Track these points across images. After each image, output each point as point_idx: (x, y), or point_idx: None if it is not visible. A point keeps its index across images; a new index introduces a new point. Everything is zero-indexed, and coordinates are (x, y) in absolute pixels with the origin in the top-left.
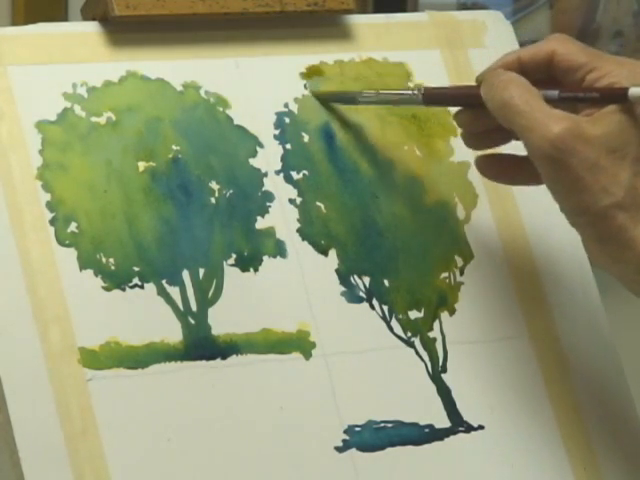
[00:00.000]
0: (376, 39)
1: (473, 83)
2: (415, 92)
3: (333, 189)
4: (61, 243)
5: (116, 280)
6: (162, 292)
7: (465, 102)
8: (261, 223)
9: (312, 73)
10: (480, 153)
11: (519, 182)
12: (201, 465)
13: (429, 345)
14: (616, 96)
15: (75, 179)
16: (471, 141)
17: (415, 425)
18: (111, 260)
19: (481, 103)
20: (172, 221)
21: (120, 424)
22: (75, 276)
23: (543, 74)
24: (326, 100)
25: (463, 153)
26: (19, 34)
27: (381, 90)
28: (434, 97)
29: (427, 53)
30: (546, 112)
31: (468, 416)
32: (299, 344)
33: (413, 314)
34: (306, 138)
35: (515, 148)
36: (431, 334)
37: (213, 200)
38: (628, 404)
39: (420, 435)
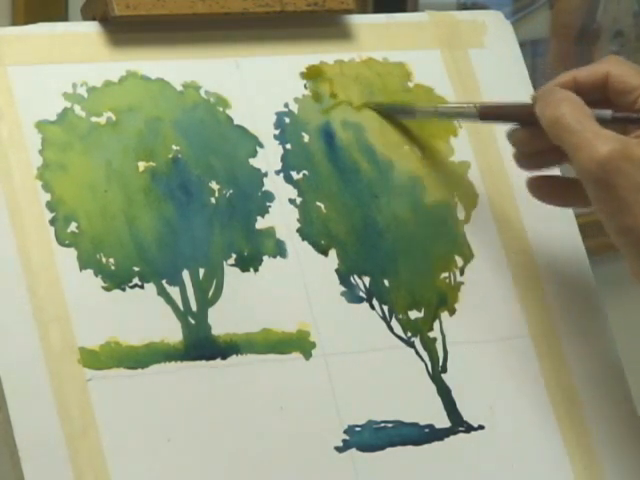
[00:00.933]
0: (376, 39)
1: (473, 86)
2: (470, 106)
3: (333, 189)
4: (61, 243)
5: (116, 280)
6: (162, 292)
7: (520, 119)
8: (261, 223)
9: (312, 73)
10: (531, 174)
11: (570, 204)
12: (201, 465)
13: (429, 345)
14: None
15: (75, 179)
16: (524, 161)
17: (415, 425)
18: (111, 260)
19: (536, 122)
20: (172, 221)
21: (120, 424)
22: (75, 276)
23: (597, 95)
24: (385, 112)
25: (463, 153)
26: (19, 34)
27: (439, 105)
28: (490, 113)
29: (427, 53)
30: (595, 132)
31: (468, 416)
32: (299, 344)
33: (413, 314)
34: (306, 138)
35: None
36: (431, 334)
37: (213, 200)
38: (628, 404)
39: (420, 435)
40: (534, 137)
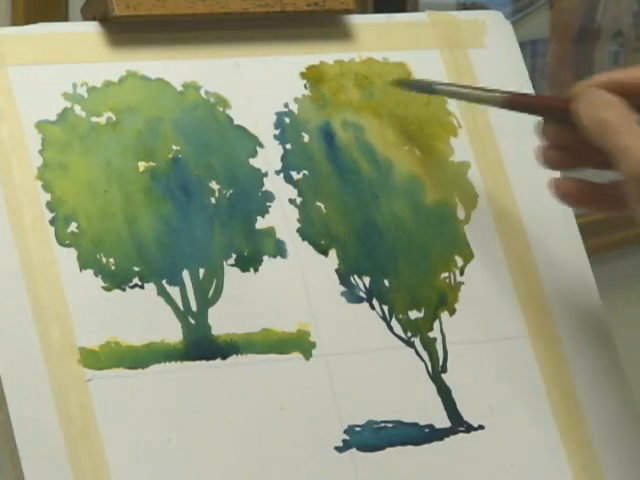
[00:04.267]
0: (376, 39)
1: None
2: (498, 95)
3: (333, 189)
4: (61, 243)
5: (116, 280)
6: (162, 292)
7: (550, 114)
8: (261, 223)
9: (312, 73)
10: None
11: (600, 209)
12: (201, 465)
13: (429, 345)
14: None
15: (75, 179)
16: (550, 158)
17: (415, 425)
18: (111, 260)
19: (566, 117)
20: (172, 221)
21: (120, 424)
22: (75, 276)
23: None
24: (402, 87)
25: (463, 153)
26: (19, 34)
27: (461, 85)
28: (518, 104)
29: (427, 53)
30: None
31: (468, 416)
32: (299, 344)
33: (413, 314)
34: (306, 138)
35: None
36: (431, 334)
37: (213, 200)
38: (628, 404)
39: (420, 435)
40: (564, 133)
